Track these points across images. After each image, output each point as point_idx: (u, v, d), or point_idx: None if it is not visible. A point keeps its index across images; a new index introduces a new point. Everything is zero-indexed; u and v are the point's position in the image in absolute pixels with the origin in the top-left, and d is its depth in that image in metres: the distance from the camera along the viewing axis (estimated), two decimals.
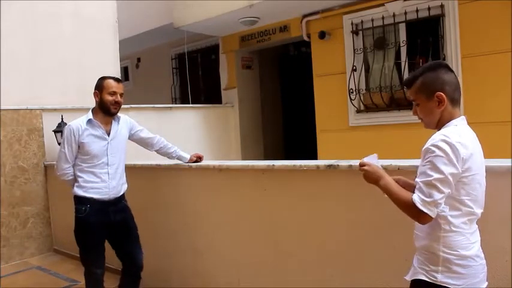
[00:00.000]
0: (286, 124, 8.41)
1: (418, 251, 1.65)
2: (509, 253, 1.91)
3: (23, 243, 4.80)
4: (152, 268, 3.71)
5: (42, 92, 5.03)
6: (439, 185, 1.48)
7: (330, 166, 2.46)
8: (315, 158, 5.99)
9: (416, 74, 1.69)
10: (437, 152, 1.50)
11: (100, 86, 2.89)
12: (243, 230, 3.03)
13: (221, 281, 3.19)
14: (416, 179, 1.55)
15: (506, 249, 1.91)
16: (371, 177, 1.66)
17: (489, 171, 1.94)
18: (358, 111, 5.74)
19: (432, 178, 1.49)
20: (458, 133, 1.55)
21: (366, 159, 1.73)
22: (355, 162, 2.36)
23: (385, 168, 2.18)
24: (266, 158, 7.60)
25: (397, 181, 1.74)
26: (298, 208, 2.69)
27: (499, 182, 1.92)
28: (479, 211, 1.59)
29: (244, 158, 7.15)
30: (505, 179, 1.90)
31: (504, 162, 1.95)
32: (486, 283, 1.62)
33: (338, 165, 2.42)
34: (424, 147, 1.56)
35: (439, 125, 1.65)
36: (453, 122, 1.62)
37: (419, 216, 1.51)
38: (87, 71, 5.33)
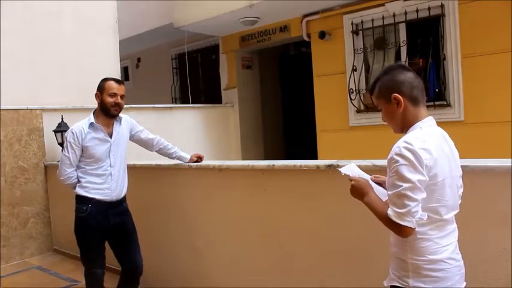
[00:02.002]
0: (286, 124, 8.41)
1: (392, 257, 1.66)
2: (509, 253, 1.91)
3: (23, 243, 4.80)
4: (152, 268, 3.71)
5: (42, 92, 5.04)
6: (409, 193, 1.45)
7: (330, 166, 2.46)
8: (315, 158, 5.99)
9: (375, 79, 1.68)
10: (401, 161, 1.47)
11: (101, 88, 2.88)
12: (243, 230, 3.03)
13: (221, 281, 3.19)
14: (388, 192, 1.53)
15: (506, 249, 1.91)
16: (357, 192, 1.65)
17: (489, 171, 1.95)
18: (358, 111, 5.75)
19: (401, 188, 1.45)
20: (423, 138, 1.51)
21: (346, 169, 1.72)
22: (355, 162, 2.36)
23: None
24: (266, 158, 7.60)
25: (381, 182, 1.74)
26: (298, 208, 2.69)
27: (499, 182, 1.92)
28: (449, 216, 1.56)
29: (244, 158, 7.15)
30: (505, 179, 1.90)
31: (504, 162, 1.94)
32: (464, 283, 1.61)
33: (338, 165, 2.42)
34: (388, 157, 1.54)
35: (405, 127, 1.62)
36: (418, 124, 1.59)
37: (399, 229, 1.48)
38: (87, 71, 5.34)
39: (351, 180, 1.67)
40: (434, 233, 1.53)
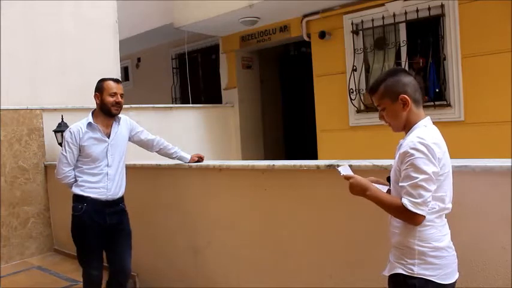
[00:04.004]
0: (286, 124, 8.41)
1: (394, 246, 1.73)
2: (509, 253, 1.91)
3: (23, 243, 4.80)
4: (152, 268, 3.71)
5: (42, 92, 5.04)
6: (425, 184, 1.55)
7: (330, 166, 2.46)
8: (315, 158, 5.99)
9: (379, 80, 1.77)
10: (417, 154, 1.57)
11: (100, 88, 2.89)
12: (243, 230, 3.03)
13: (221, 281, 3.19)
14: (402, 183, 1.61)
15: (506, 249, 1.91)
16: (356, 189, 1.71)
17: (489, 171, 1.95)
18: (359, 111, 5.74)
19: (418, 179, 1.56)
20: (431, 134, 1.64)
21: (343, 169, 1.78)
22: (355, 162, 2.37)
23: (386, 168, 2.19)
24: (266, 158, 7.60)
25: (375, 182, 1.80)
26: (298, 208, 2.69)
27: (499, 182, 1.92)
28: (450, 205, 1.69)
29: (244, 158, 7.15)
30: (505, 179, 1.90)
31: (504, 162, 1.94)
32: (457, 274, 1.70)
33: (338, 165, 2.42)
34: (402, 151, 1.63)
35: (407, 126, 1.73)
36: (422, 122, 1.71)
37: (413, 218, 1.58)
38: (88, 71, 5.34)
39: (349, 179, 1.73)
40: (439, 221, 1.66)
